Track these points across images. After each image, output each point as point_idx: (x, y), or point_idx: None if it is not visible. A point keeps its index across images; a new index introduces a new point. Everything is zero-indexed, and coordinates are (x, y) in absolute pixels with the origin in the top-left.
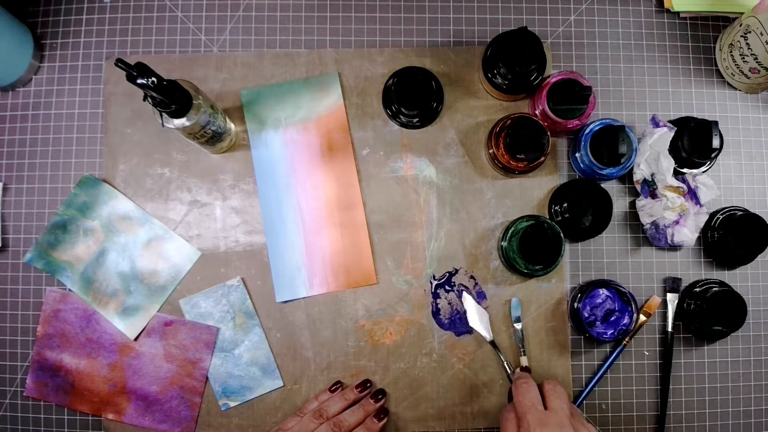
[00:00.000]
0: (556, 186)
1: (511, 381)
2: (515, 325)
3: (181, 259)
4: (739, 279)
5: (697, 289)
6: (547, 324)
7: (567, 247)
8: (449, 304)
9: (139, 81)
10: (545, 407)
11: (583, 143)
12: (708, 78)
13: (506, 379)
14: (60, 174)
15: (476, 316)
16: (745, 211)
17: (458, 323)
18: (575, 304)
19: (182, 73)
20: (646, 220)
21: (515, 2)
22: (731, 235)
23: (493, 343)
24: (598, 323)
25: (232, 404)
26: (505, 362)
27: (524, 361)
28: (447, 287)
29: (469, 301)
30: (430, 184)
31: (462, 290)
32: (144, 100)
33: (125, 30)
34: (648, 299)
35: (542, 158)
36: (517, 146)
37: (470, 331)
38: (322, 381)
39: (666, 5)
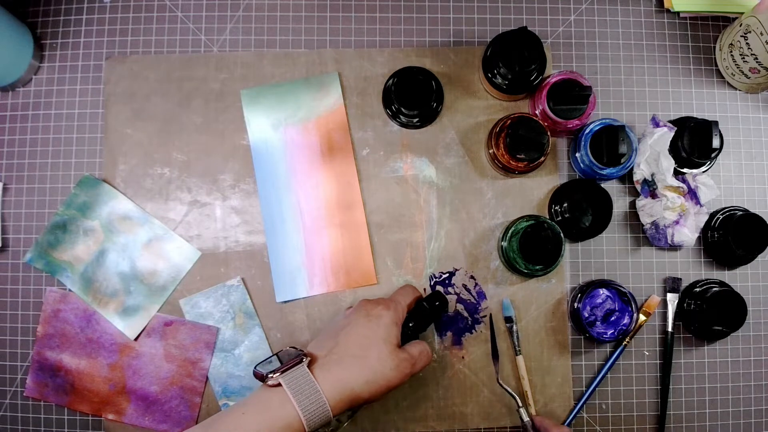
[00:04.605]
0: (556, 186)
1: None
2: (506, 325)
3: (181, 259)
4: (739, 279)
5: (697, 289)
6: (547, 324)
7: (567, 247)
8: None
9: None
10: None
11: (583, 143)
12: (708, 78)
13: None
14: (60, 174)
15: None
16: (745, 211)
17: (458, 323)
18: (575, 304)
19: (182, 73)
20: (646, 220)
21: (515, 2)
22: (731, 235)
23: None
24: (598, 323)
25: (232, 405)
26: (521, 408)
27: (520, 361)
28: (447, 287)
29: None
30: (430, 184)
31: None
32: None
33: (125, 30)
34: (647, 299)
35: (542, 158)
36: (517, 146)
37: (471, 330)
38: None
39: (666, 5)
